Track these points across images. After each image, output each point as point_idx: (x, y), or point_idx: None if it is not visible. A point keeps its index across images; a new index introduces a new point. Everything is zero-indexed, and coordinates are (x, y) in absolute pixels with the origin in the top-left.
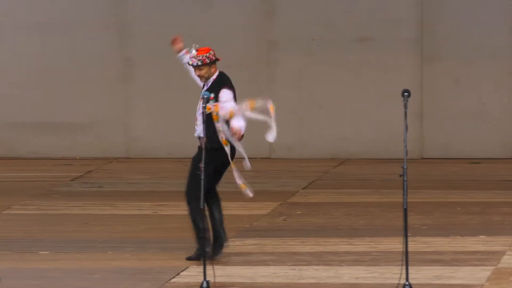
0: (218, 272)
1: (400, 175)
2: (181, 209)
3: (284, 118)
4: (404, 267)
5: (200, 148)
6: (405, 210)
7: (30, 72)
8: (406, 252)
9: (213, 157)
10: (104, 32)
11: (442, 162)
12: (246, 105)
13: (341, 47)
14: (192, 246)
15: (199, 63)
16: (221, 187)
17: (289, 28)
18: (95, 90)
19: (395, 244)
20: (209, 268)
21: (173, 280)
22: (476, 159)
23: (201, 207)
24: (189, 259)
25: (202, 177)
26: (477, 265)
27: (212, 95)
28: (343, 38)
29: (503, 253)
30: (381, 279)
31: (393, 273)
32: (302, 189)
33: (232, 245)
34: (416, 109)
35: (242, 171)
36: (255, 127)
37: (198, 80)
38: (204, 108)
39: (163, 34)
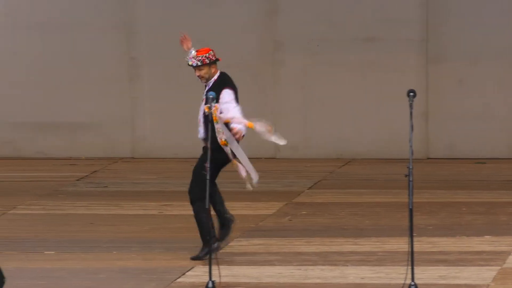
0: (224, 272)
1: (406, 175)
2: (187, 209)
3: (289, 118)
4: (409, 267)
5: (204, 148)
6: (411, 210)
7: (34, 72)
8: (412, 252)
9: (214, 157)
10: (109, 32)
11: (447, 162)
12: (245, 123)
13: (346, 47)
14: (197, 246)
15: (199, 63)
16: (225, 187)
17: (293, 28)
18: (101, 90)
19: (400, 244)
20: (214, 268)
21: (178, 280)
22: (481, 159)
23: (206, 206)
24: (194, 258)
25: (208, 177)
26: (482, 265)
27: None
28: (348, 38)
29: (508, 253)
30: (387, 279)
31: (399, 273)
32: (308, 189)
33: (238, 245)
34: (422, 109)
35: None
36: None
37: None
38: (210, 108)
39: (168, 33)
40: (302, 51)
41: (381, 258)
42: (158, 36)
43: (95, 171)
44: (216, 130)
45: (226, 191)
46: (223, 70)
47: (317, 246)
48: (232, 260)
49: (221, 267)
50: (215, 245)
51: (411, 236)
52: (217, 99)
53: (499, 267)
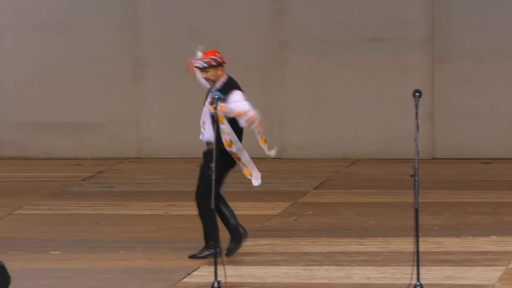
0: (229, 272)
1: (411, 175)
2: (192, 209)
3: (295, 118)
4: (415, 267)
5: (205, 153)
6: (416, 211)
7: (39, 72)
8: (417, 252)
9: (221, 159)
10: (115, 32)
11: (453, 162)
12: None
13: (352, 47)
14: (202, 246)
15: (205, 65)
16: (230, 187)
17: (299, 28)
18: (106, 90)
19: (406, 245)
20: (220, 268)
21: (184, 280)
22: (487, 159)
23: (212, 207)
24: (192, 257)
25: (213, 177)
26: (488, 266)
27: (222, 96)
28: (354, 38)
29: None
30: (392, 279)
31: (404, 274)
32: (313, 189)
33: (244, 245)
34: (427, 109)
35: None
36: (265, 128)
37: (206, 84)
38: (215, 108)
39: (174, 34)
40: (307, 51)
41: (387, 258)
42: (164, 36)
43: (101, 171)
44: (221, 131)
45: (231, 191)
46: (229, 70)
47: (323, 246)
48: (237, 260)
49: (226, 267)
50: (218, 250)
51: (417, 236)
52: (224, 100)
53: (505, 267)
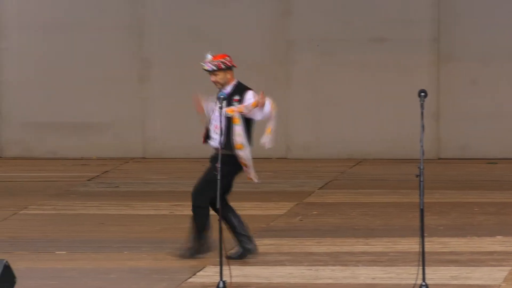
0: (235, 272)
1: (417, 176)
2: None
3: (301, 118)
4: (420, 267)
5: (212, 158)
6: (422, 211)
7: (44, 73)
8: (423, 253)
9: (228, 163)
10: (120, 33)
11: (458, 162)
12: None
13: (358, 47)
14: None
15: (214, 68)
16: (235, 187)
17: (306, 28)
18: (112, 91)
19: (411, 245)
20: (225, 268)
21: (189, 280)
22: (493, 159)
23: (218, 207)
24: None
25: (219, 177)
26: (494, 266)
27: (237, 97)
28: (360, 38)
29: None
30: (398, 280)
31: (410, 274)
32: (319, 189)
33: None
34: (433, 109)
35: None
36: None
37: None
38: (220, 108)
39: (179, 34)
40: (314, 51)
41: (392, 258)
42: (169, 36)
43: (106, 171)
44: (235, 132)
45: (236, 191)
46: (234, 70)
47: (328, 246)
48: (243, 260)
49: (232, 267)
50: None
51: (422, 236)
52: (240, 101)
53: (511, 268)
